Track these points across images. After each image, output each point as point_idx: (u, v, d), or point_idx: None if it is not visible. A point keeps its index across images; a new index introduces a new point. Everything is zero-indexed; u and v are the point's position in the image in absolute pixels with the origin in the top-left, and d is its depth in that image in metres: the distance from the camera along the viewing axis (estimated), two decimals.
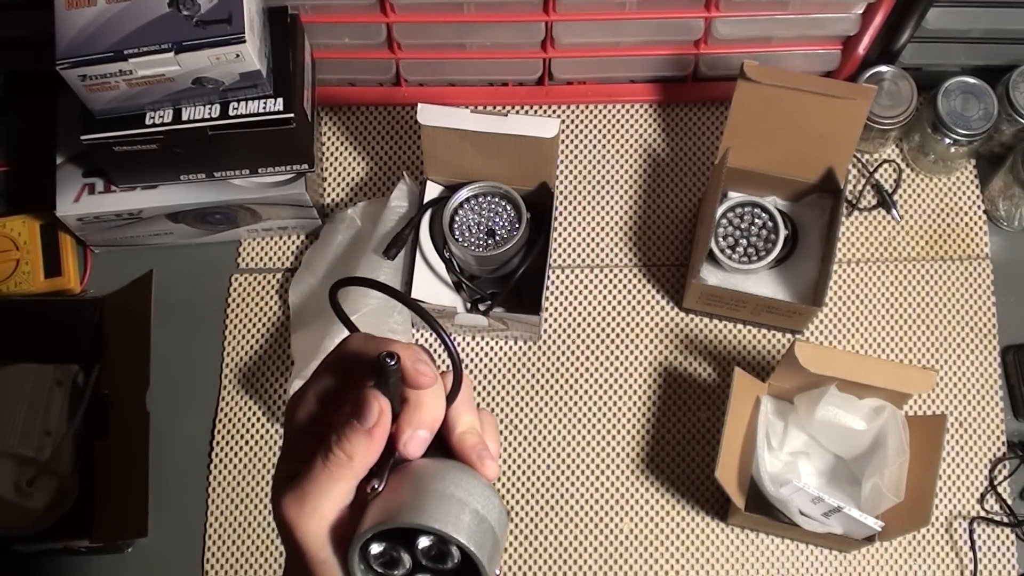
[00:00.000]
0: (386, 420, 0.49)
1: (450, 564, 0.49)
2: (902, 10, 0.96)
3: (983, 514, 0.98)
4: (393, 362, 0.48)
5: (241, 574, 0.98)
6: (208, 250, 1.07)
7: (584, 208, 1.08)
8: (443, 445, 0.52)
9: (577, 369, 1.03)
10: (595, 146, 1.11)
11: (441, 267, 0.98)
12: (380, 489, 0.49)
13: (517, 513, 0.99)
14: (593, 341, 1.04)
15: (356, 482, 0.49)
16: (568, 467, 1.00)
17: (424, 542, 0.48)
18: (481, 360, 1.03)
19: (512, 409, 1.02)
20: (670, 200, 1.09)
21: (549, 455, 1.01)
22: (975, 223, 1.07)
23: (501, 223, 0.96)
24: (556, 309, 1.05)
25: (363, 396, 0.49)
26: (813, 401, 0.90)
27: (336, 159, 1.11)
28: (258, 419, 1.02)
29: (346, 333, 0.53)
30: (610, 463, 1.00)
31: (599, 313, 1.05)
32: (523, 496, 0.99)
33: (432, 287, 0.98)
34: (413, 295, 0.96)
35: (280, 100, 0.89)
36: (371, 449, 0.48)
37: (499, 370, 1.03)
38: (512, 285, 0.97)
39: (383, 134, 1.12)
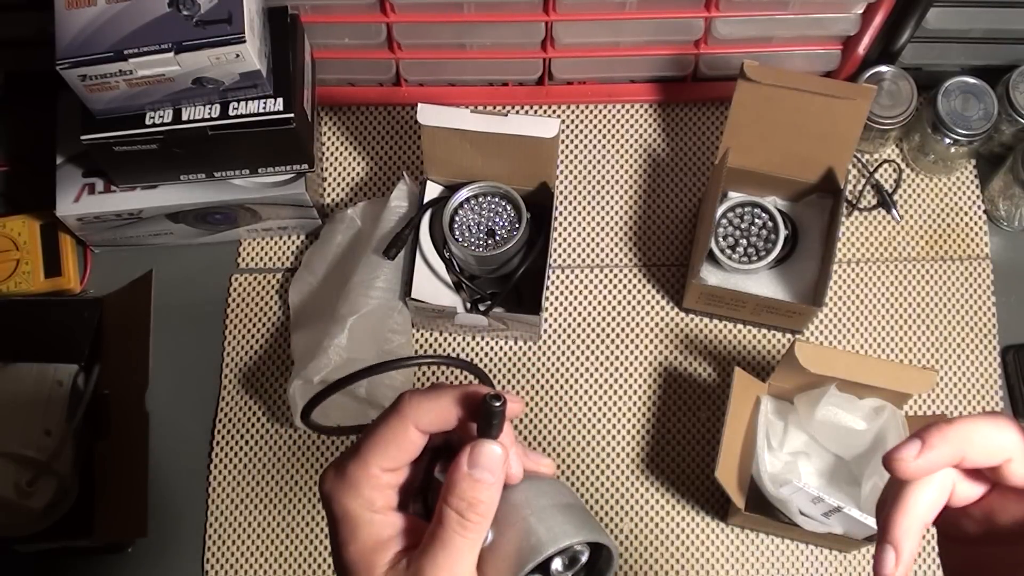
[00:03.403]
0: (507, 466, 0.48)
1: (583, 560, 0.51)
2: (902, 10, 0.96)
3: None
4: (500, 404, 0.47)
5: (241, 574, 0.98)
6: (208, 250, 1.07)
7: (584, 208, 1.08)
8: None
9: (577, 369, 1.03)
10: (595, 146, 1.11)
11: (441, 267, 0.98)
12: (491, 538, 0.49)
13: None
14: (593, 341, 1.04)
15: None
16: (568, 467, 1.00)
17: (557, 562, 0.50)
18: (481, 360, 1.03)
19: None
20: (670, 200, 1.09)
21: (549, 455, 1.01)
22: (975, 223, 1.07)
23: (501, 223, 0.96)
24: (556, 309, 1.05)
25: (483, 451, 0.47)
26: (813, 401, 0.90)
27: (336, 159, 1.11)
28: (258, 419, 1.02)
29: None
30: (610, 463, 1.00)
31: (599, 313, 1.05)
32: None
33: (432, 287, 0.98)
34: (413, 295, 0.96)
35: (280, 100, 0.89)
36: (497, 500, 0.48)
37: (499, 370, 1.03)
38: (512, 285, 0.97)
39: (383, 134, 1.12)
